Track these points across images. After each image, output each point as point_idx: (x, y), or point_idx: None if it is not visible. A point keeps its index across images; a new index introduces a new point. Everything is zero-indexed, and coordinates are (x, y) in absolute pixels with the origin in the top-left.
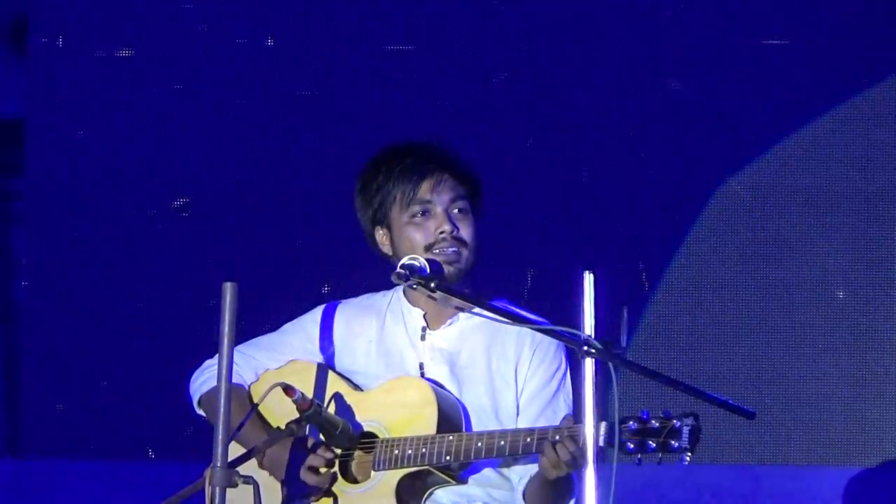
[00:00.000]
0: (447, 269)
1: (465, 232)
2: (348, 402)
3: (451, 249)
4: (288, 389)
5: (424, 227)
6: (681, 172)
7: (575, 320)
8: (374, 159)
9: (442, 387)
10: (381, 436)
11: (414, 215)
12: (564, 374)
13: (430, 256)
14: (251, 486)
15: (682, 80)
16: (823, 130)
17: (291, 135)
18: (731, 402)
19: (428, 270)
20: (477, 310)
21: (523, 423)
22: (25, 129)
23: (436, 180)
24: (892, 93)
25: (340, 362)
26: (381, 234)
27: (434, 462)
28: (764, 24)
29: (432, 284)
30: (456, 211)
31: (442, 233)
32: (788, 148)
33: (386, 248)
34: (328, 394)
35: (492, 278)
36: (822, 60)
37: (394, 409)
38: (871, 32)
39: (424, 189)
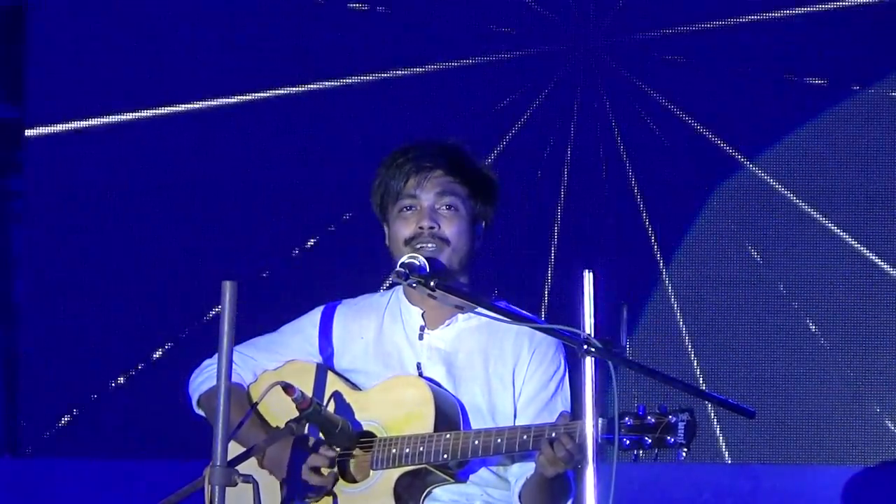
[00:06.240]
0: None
1: (449, 230)
2: (347, 401)
3: (429, 246)
4: (287, 388)
5: (409, 221)
6: (681, 172)
7: (574, 319)
8: (384, 157)
9: (440, 386)
10: (379, 435)
11: (401, 209)
12: (563, 377)
13: (410, 251)
14: (251, 486)
15: (683, 80)
16: (823, 130)
17: (292, 134)
18: (730, 400)
19: (427, 269)
20: (477, 309)
21: None
22: (25, 126)
23: (423, 176)
24: (892, 92)
25: (339, 363)
26: (386, 229)
27: (432, 460)
28: (763, 23)
29: (432, 283)
30: (444, 208)
31: (420, 228)
32: (788, 148)
33: (387, 243)
34: (327, 393)
35: (491, 277)
36: (821, 60)
37: (392, 408)
38: (871, 32)
39: (411, 184)
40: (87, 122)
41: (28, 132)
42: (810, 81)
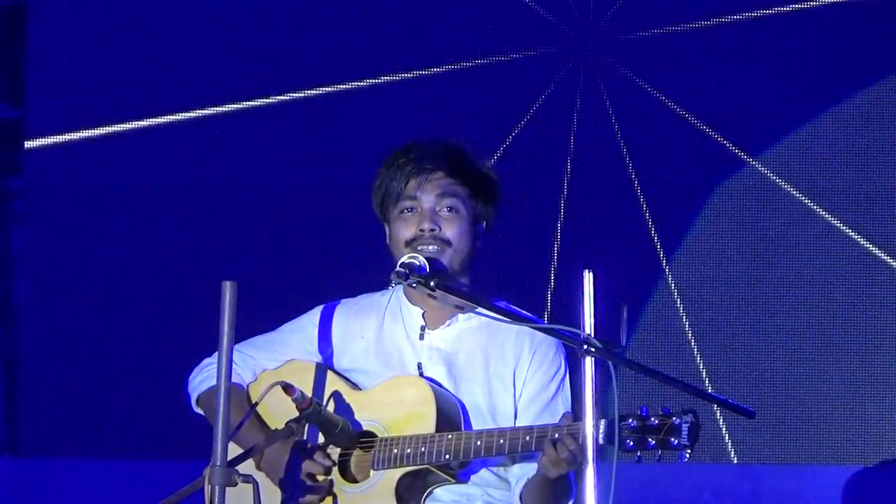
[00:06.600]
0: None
1: (450, 232)
2: (347, 401)
3: (430, 248)
4: (287, 388)
5: (410, 222)
6: (681, 172)
7: (575, 319)
8: (386, 157)
9: (441, 385)
10: (379, 435)
11: (402, 211)
12: (563, 378)
13: (411, 252)
14: (251, 486)
15: (684, 79)
16: (823, 130)
17: (291, 135)
18: (730, 400)
19: (427, 269)
20: (477, 309)
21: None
22: (25, 129)
23: (424, 178)
24: (892, 92)
25: (339, 362)
26: (386, 229)
27: (433, 461)
28: (763, 23)
29: (432, 283)
30: (445, 210)
31: (422, 230)
32: (788, 147)
33: (388, 243)
34: (327, 393)
35: (493, 278)
36: (821, 60)
37: (393, 408)
38: (871, 32)
39: (412, 186)
40: (87, 127)
41: (28, 144)
42: (812, 78)
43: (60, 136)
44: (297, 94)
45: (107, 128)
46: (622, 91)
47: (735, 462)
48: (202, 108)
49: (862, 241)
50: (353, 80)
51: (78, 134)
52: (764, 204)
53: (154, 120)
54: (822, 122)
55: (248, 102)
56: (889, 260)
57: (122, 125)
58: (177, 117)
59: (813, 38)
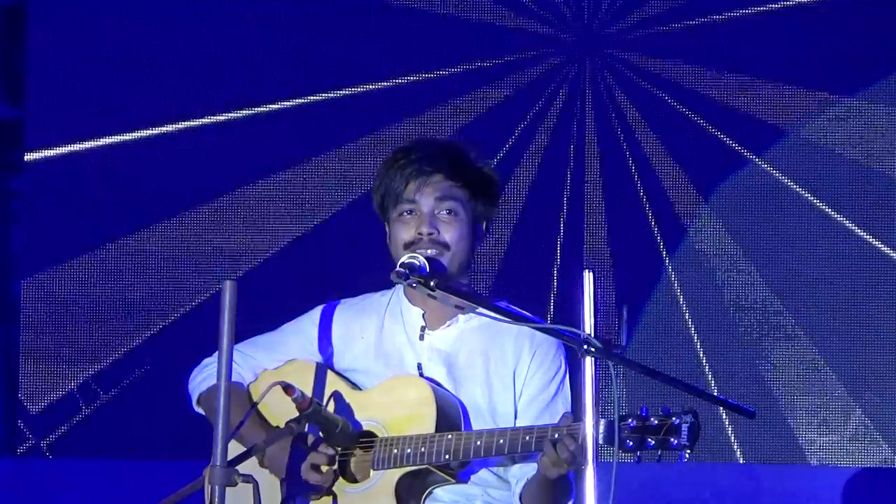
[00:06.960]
0: None
1: (448, 235)
2: (347, 401)
3: (429, 251)
4: (287, 388)
5: (409, 225)
6: (681, 172)
7: (575, 319)
8: (387, 156)
9: (441, 386)
10: (380, 435)
11: (401, 213)
12: (563, 378)
13: (410, 254)
14: (251, 486)
15: (686, 79)
16: (824, 129)
17: (292, 138)
18: (731, 400)
19: (427, 269)
20: (477, 309)
21: None
22: (25, 129)
23: (423, 181)
24: (893, 92)
25: (340, 362)
26: (386, 229)
27: (433, 461)
28: (764, 24)
29: (432, 283)
30: (444, 213)
31: (420, 234)
32: (788, 147)
33: (388, 242)
34: (327, 393)
35: (497, 279)
36: (824, 57)
37: (393, 409)
38: (871, 32)
39: (411, 189)
40: (87, 130)
41: (28, 157)
42: (815, 76)
43: (61, 148)
44: (298, 99)
45: (108, 133)
46: (624, 91)
47: (736, 462)
48: (202, 114)
49: (865, 238)
50: (355, 83)
51: (78, 144)
52: (766, 202)
53: (155, 126)
54: (826, 119)
55: (249, 107)
56: (893, 255)
57: (122, 128)
58: (179, 116)
59: (816, 35)
